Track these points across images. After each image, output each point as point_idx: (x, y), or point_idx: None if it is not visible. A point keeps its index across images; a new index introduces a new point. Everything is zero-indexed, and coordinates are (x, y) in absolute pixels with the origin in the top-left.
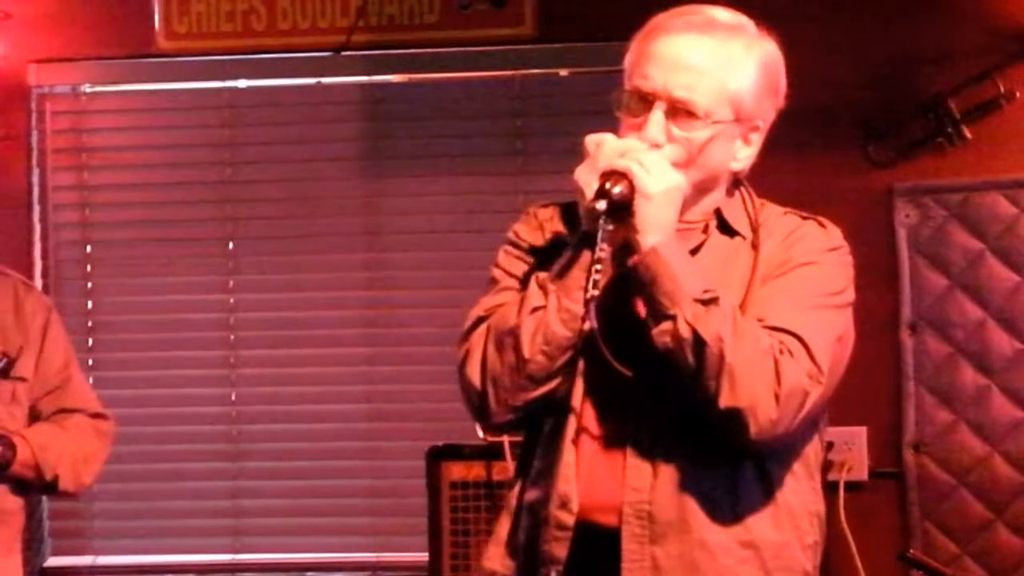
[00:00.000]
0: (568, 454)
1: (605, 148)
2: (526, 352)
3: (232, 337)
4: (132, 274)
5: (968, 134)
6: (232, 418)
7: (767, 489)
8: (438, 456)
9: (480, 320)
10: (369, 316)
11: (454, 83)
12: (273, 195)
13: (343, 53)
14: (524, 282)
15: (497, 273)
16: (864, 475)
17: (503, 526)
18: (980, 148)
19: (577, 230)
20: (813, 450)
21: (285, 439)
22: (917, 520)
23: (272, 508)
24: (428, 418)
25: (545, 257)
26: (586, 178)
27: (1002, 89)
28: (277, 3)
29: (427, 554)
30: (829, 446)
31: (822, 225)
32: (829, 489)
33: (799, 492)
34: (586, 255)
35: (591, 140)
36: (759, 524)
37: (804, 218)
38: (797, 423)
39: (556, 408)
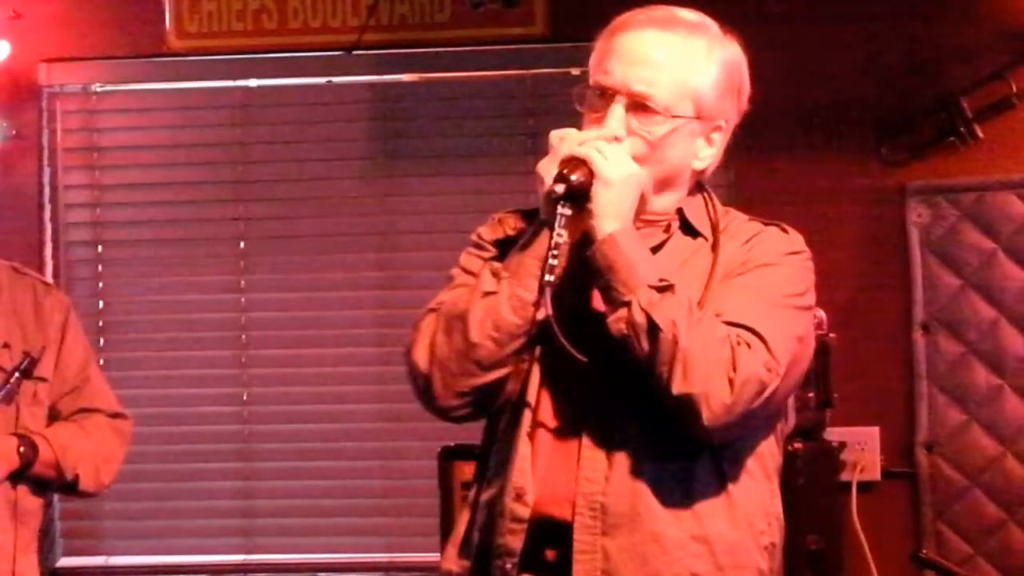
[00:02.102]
0: (523, 447)
1: (567, 140)
2: (474, 336)
3: (244, 337)
4: (143, 273)
5: (981, 133)
6: (244, 418)
7: (721, 484)
8: (450, 456)
9: (432, 311)
10: (381, 315)
11: (466, 82)
12: (285, 194)
13: (354, 52)
14: None
15: (454, 271)
16: (877, 475)
17: (460, 526)
18: (993, 147)
19: (535, 224)
20: (770, 451)
21: (297, 439)
22: (930, 520)
23: (284, 508)
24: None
25: (505, 252)
26: (546, 168)
27: (1015, 88)
28: (288, 2)
29: (439, 554)
30: (842, 446)
31: (784, 230)
32: (842, 489)
33: (755, 491)
34: (540, 244)
35: (555, 135)
36: (713, 519)
37: (766, 224)
38: (752, 413)
39: (511, 402)
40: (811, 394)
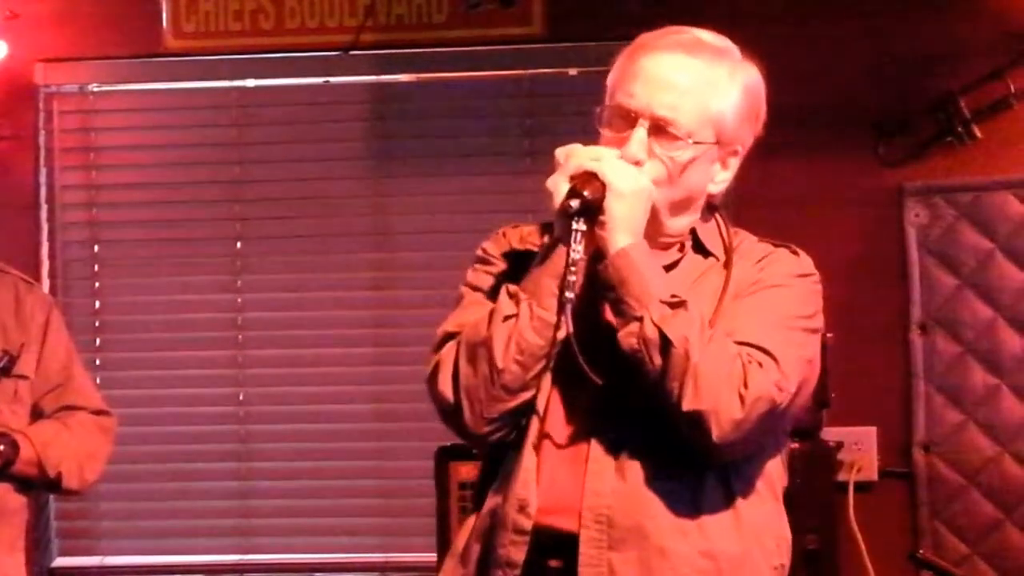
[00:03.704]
0: (528, 458)
1: (575, 156)
2: (499, 362)
3: (240, 337)
4: (140, 274)
5: (979, 133)
6: (240, 418)
7: (730, 501)
8: (446, 456)
9: (449, 336)
10: (377, 316)
11: (462, 82)
12: (281, 195)
13: (351, 52)
14: (490, 293)
15: (464, 289)
16: (874, 475)
17: (461, 538)
18: (991, 147)
19: (549, 241)
20: (776, 472)
21: (293, 439)
22: (927, 520)
23: (280, 508)
24: (436, 418)
25: (514, 268)
26: (556, 183)
27: (1013, 88)
28: (285, 2)
29: (436, 554)
30: (839, 446)
31: (794, 252)
32: (839, 489)
33: (763, 511)
34: (555, 262)
35: (560, 152)
36: (720, 535)
37: (776, 245)
38: (760, 431)
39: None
40: None
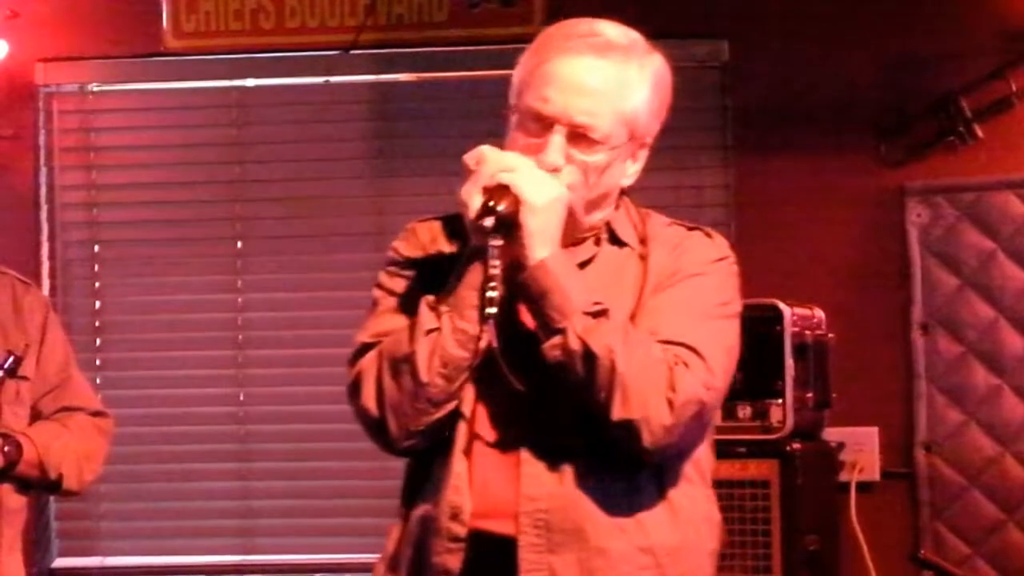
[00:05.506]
0: (459, 464)
1: (486, 164)
2: (423, 376)
3: (240, 337)
4: (140, 274)
5: (980, 133)
6: (240, 418)
7: (662, 493)
8: None
9: (366, 346)
10: None
11: (463, 82)
12: (281, 194)
13: (352, 52)
14: (405, 298)
15: (378, 294)
16: (876, 475)
17: (391, 541)
18: (992, 147)
19: (461, 244)
20: (705, 456)
21: (293, 439)
22: (928, 520)
23: (280, 509)
24: None
25: (427, 271)
26: (470, 194)
27: (1014, 88)
28: (285, 2)
29: None
30: (840, 446)
31: (708, 235)
32: (841, 489)
33: (695, 498)
34: (474, 274)
35: (470, 157)
36: (656, 529)
37: (690, 228)
38: (692, 430)
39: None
40: (809, 394)
